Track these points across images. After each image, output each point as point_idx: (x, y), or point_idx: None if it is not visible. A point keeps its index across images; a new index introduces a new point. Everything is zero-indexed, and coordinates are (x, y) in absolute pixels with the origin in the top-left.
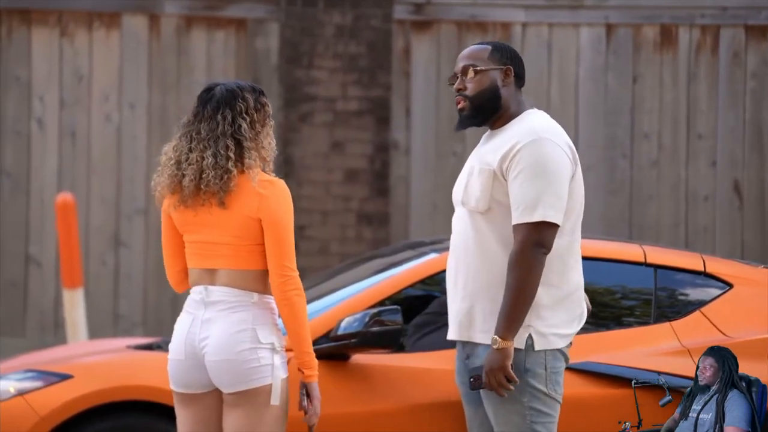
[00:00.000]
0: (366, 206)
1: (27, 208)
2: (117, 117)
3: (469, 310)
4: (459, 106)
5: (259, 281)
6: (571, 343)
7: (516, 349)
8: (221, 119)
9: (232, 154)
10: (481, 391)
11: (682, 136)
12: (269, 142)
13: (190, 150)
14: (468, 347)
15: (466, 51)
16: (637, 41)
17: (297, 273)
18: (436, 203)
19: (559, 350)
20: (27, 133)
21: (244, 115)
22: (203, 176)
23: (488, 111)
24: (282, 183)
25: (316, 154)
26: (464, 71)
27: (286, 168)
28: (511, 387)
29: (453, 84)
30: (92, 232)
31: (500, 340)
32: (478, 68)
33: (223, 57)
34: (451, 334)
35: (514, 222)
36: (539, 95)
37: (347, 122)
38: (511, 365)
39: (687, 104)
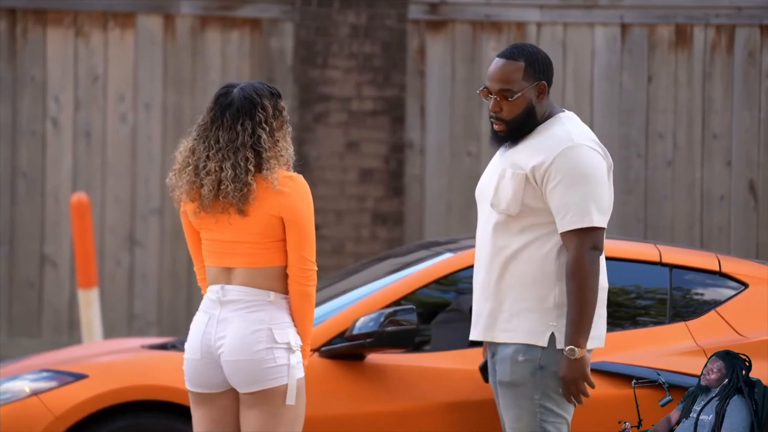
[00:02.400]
0: (381, 206)
1: (42, 207)
2: (132, 117)
3: (493, 311)
4: (495, 127)
5: (276, 279)
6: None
7: (534, 347)
8: (241, 130)
9: (251, 167)
10: (498, 386)
11: (697, 136)
12: (287, 149)
13: (208, 158)
14: (492, 347)
15: (498, 70)
16: (651, 41)
17: (316, 267)
18: (450, 203)
19: None
20: (42, 133)
21: (264, 125)
22: (222, 187)
23: (525, 129)
24: (301, 178)
25: (331, 153)
26: (499, 95)
27: (300, 168)
28: (588, 394)
29: (484, 96)
30: (107, 231)
31: (577, 349)
32: (515, 96)
33: (238, 57)
34: (474, 335)
35: (564, 229)
36: (554, 95)
37: (362, 122)
38: (526, 361)
39: (702, 104)
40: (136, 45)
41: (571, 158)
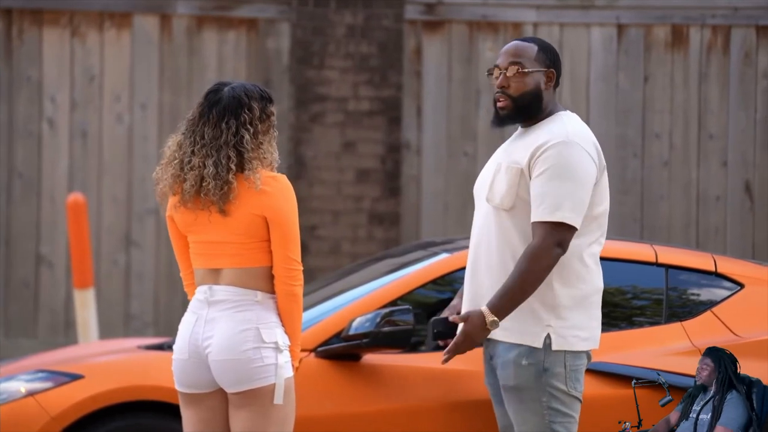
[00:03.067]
0: (377, 206)
1: (38, 208)
2: (128, 117)
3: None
4: (500, 104)
5: (263, 279)
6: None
7: (535, 348)
8: (225, 128)
9: (233, 166)
10: (502, 390)
11: (693, 136)
12: (271, 152)
13: (193, 153)
14: (490, 346)
15: (512, 46)
16: (648, 41)
17: (301, 267)
18: (447, 203)
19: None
20: (38, 133)
21: (248, 126)
22: (203, 184)
23: (530, 113)
24: (284, 178)
25: (328, 154)
26: (510, 68)
27: (297, 168)
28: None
29: (492, 75)
30: (103, 232)
31: (496, 318)
32: (526, 69)
33: (234, 57)
34: None
35: (534, 219)
36: None
37: (358, 122)
38: (530, 365)
39: (698, 104)
40: (132, 45)
41: (560, 153)
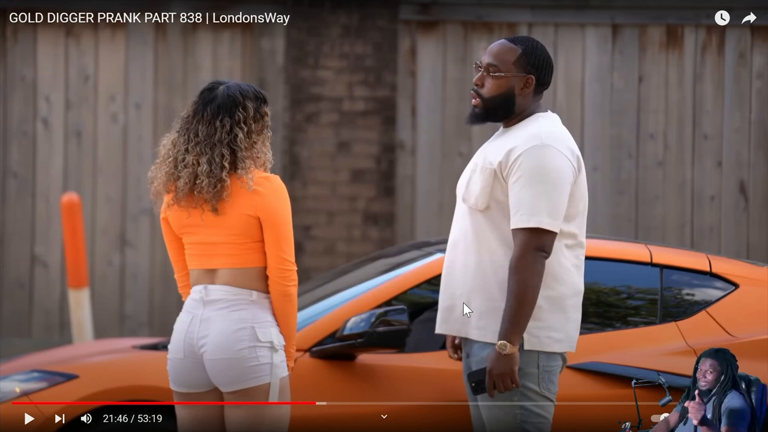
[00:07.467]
0: (372, 206)
1: (33, 208)
2: (123, 117)
3: (465, 307)
4: (473, 101)
5: (258, 279)
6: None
7: None
8: (219, 126)
9: (226, 164)
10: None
11: (687, 137)
12: (264, 153)
13: (187, 150)
14: (467, 345)
15: (495, 46)
16: (642, 41)
17: (296, 267)
18: (442, 203)
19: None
20: (33, 133)
21: (242, 125)
22: (197, 182)
23: (499, 115)
24: (277, 179)
25: (323, 154)
26: (486, 69)
27: (292, 168)
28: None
29: (476, 69)
30: (98, 232)
31: (509, 345)
32: (499, 75)
33: (229, 57)
34: (441, 329)
35: (513, 226)
36: (545, 95)
37: (353, 122)
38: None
39: (693, 104)
40: (127, 45)
41: (535, 157)
